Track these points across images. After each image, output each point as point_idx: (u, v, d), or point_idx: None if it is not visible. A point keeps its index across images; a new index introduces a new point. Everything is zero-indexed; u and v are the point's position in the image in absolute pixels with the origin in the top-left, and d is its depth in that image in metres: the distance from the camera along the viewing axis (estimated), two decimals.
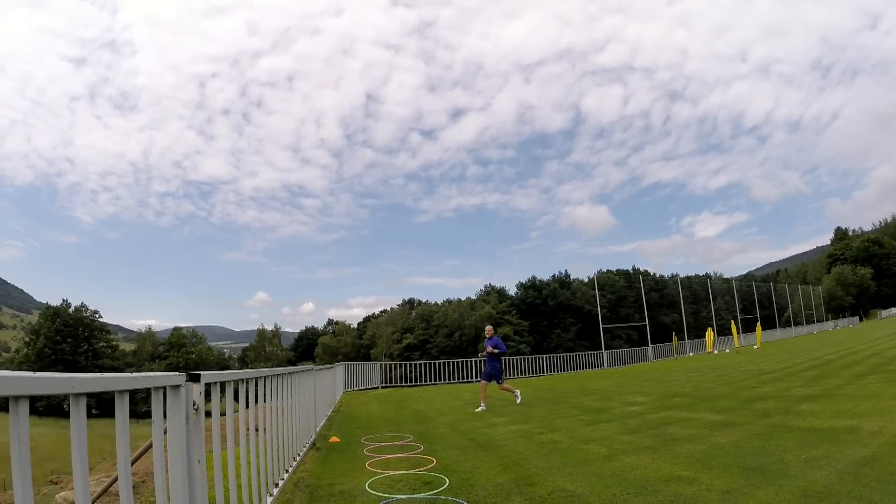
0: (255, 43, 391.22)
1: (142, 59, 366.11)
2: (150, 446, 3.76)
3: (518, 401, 13.35)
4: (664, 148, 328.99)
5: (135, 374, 2.02)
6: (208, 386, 2.78)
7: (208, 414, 2.84)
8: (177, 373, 2.39)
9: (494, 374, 13.62)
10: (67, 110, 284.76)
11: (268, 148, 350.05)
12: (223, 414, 3.91)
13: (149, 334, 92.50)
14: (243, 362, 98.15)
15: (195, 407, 2.54)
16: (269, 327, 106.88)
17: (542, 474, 5.72)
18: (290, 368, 6.35)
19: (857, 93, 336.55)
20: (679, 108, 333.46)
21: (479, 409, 12.66)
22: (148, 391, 2.19)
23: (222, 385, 3.27)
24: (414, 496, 5.15)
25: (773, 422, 7.53)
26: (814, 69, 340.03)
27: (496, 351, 13.61)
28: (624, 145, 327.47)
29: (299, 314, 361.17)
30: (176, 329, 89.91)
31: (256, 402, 4.00)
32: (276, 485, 4.87)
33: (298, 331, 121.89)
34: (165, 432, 2.37)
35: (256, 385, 4.12)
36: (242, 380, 3.76)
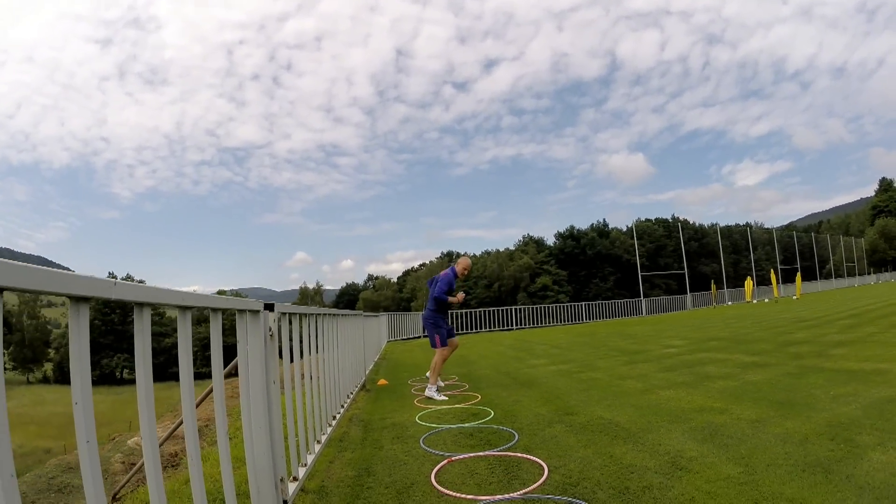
0: (281, 6, 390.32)
1: (167, 33, 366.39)
2: (210, 392, 4.16)
3: (431, 395, 7.50)
4: (703, 94, 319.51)
5: (227, 297, 2.36)
6: (280, 316, 3.13)
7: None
8: (257, 300, 2.74)
9: (430, 333, 8.21)
10: (98, 91, 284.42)
11: (300, 110, 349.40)
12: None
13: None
14: None
15: (270, 332, 2.88)
16: (311, 286, 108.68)
17: (582, 406, 6.04)
18: (343, 311, 6.75)
19: None
20: (718, 52, 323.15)
21: (429, 392, 7.58)
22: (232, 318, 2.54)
23: (290, 317, 3.63)
24: (462, 425, 5.52)
25: (806, 363, 7.72)
26: (859, 12, 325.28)
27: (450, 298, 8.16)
28: (662, 92, 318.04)
29: (339, 271, 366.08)
30: (220, 292, 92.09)
31: (310, 351, 4.34)
32: (334, 417, 5.29)
33: (339, 288, 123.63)
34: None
35: (317, 322, 4.48)
36: (307, 314, 4.13)
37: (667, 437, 4.39)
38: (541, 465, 3.89)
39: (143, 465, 3.29)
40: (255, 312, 2.69)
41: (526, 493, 3.37)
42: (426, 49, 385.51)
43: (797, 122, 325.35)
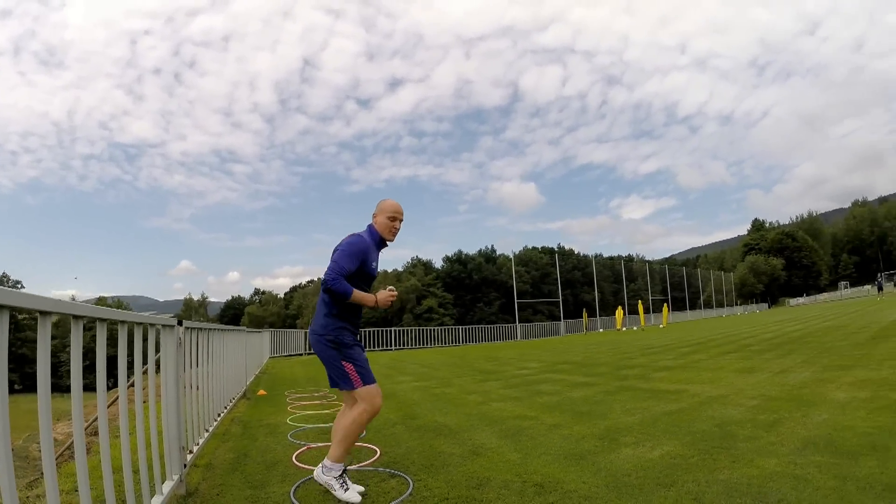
0: (194, 0, 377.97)
1: (72, 12, 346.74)
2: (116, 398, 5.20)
3: (329, 484, 3.86)
4: (598, 131, 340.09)
5: (148, 314, 3.52)
6: (186, 330, 4.28)
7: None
8: (171, 317, 3.90)
9: (329, 362, 3.98)
10: None
11: (199, 111, 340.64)
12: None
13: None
14: None
15: (180, 343, 4.04)
16: (196, 297, 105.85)
17: (425, 413, 7.36)
18: (229, 327, 7.83)
19: (790, 93, 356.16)
20: (616, 93, 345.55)
21: (327, 476, 3.90)
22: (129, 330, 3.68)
23: (191, 330, 4.76)
24: (324, 425, 6.75)
25: (625, 384, 9.03)
26: (750, 67, 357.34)
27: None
28: (559, 125, 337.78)
29: (225, 283, 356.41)
30: (101, 299, 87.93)
31: (197, 364, 5.45)
32: (219, 415, 6.38)
33: (224, 301, 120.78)
34: (157, 365, 3.85)
35: (209, 336, 5.60)
36: (203, 329, 5.26)
37: (478, 435, 5.76)
38: (375, 450, 5.18)
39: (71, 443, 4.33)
40: (171, 326, 3.84)
41: (360, 466, 4.66)
42: (333, 62, 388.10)
43: (683, 163, 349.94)
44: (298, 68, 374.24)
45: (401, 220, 4.20)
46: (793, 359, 10.24)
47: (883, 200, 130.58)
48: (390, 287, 4.06)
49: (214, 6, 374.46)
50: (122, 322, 2.85)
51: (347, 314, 3.96)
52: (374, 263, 4.06)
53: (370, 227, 4.16)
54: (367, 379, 3.90)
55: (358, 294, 3.83)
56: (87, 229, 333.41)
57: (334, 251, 3.93)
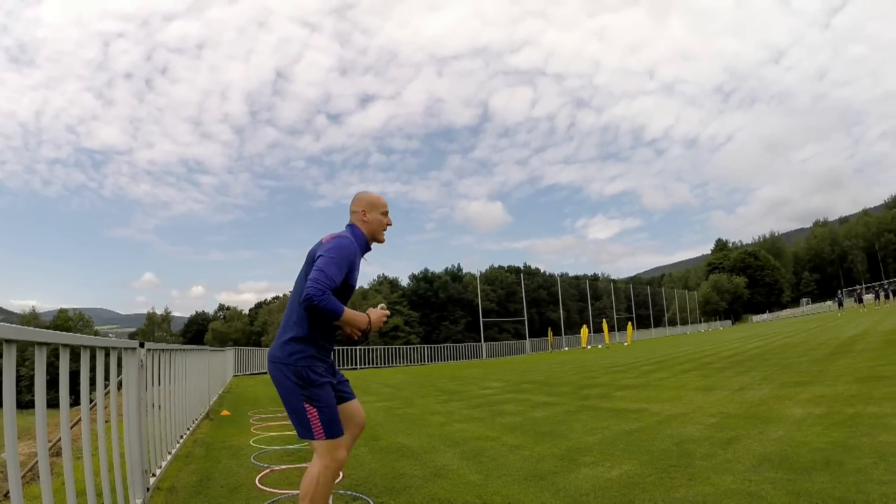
0: (170, 4, 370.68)
1: (46, 9, 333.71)
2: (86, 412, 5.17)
3: None
4: (566, 152, 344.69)
5: (110, 338, 3.53)
6: (147, 352, 4.28)
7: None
8: (133, 332, 3.91)
9: (290, 401, 3.11)
10: None
11: (168, 118, 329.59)
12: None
13: (31, 316, 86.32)
14: None
15: (142, 364, 4.04)
16: (160, 311, 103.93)
17: (388, 434, 7.38)
18: (192, 346, 7.79)
19: (753, 119, 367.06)
20: (584, 115, 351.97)
21: None
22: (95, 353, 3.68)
23: (153, 352, 4.76)
24: (288, 447, 6.74)
25: (588, 403, 9.02)
26: (716, 93, 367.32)
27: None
28: (527, 146, 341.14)
29: (189, 298, 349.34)
30: (61, 311, 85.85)
31: (160, 383, 5.43)
32: (182, 437, 6.34)
33: (188, 316, 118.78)
34: (119, 385, 3.86)
35: (170, 356, 5.58)
36: (165, 350, 5.25)
37: (440, 457, 5.80)
38: (338, 473, 5.20)
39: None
40: (134, 349, 3.86)
41: None
42: (306, 75, 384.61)
43: (649, 185, 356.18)
44: (271, 80, 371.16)
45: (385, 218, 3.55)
46: (752, 376, 10.39)
47: (843, 220, 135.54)
48: (381, 304, 3.42)
49: (191, 12, 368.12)
50: (85, 347, 2.88)
51: (321, 337, 3.14)
52: (356, 273, 3.30)
53: (352, 227, 3.42)
54: (332, 430, 3.03)
55: (349, 314, 3.05)
56: (49, 236, 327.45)
57: (315, 256, 3.11)
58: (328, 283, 2.91)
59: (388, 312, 3.36)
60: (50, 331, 2.41)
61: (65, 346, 2.55)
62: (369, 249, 3.48)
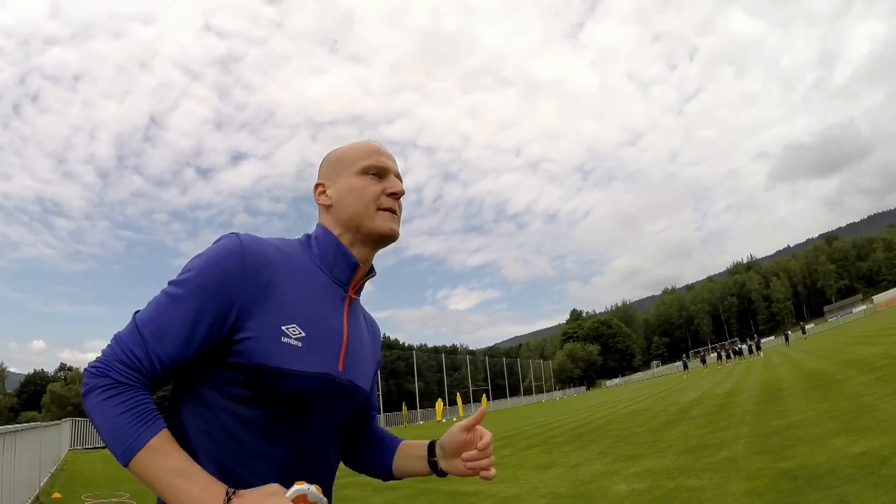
0: (54, 28, 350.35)
1: None
2: None
3: None
4: (431, 223, 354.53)
5: None
6: None
7: None
8: None
9: None
10: None
11: (31, 150, 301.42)
12: None
13: None
14: None
15: None
16: None
17: None
18: (22, 426, 7.32)
19: (610, 195, 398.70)
20: (451, 188, 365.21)
21: None
22: None
23: None
24: None
25: (428, 486, 8.86)
26: (577, 171, 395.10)
27: None
28: None
29: (28, 352, 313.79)
30: None
31: None
32: None
33: (25, 373, 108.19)
34: None
35: None
36: None
37: None
38: None
39: None
40: None
41: None
42: (180, 124, 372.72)
43: (509, 257, 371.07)
44: (144, 124, 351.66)
45: (397, 175, 1.48)
46: (590, 450, 10.84)
47: (690, 287, 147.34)
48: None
49: (74, 39, 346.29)
50: None
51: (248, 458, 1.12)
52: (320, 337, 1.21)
53: (309, 235, 1.50)
54: None
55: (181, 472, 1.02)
56: None
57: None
58: (120, 356, 1.13)
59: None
60: None
61: None
62: (359, 266, 1.43)
